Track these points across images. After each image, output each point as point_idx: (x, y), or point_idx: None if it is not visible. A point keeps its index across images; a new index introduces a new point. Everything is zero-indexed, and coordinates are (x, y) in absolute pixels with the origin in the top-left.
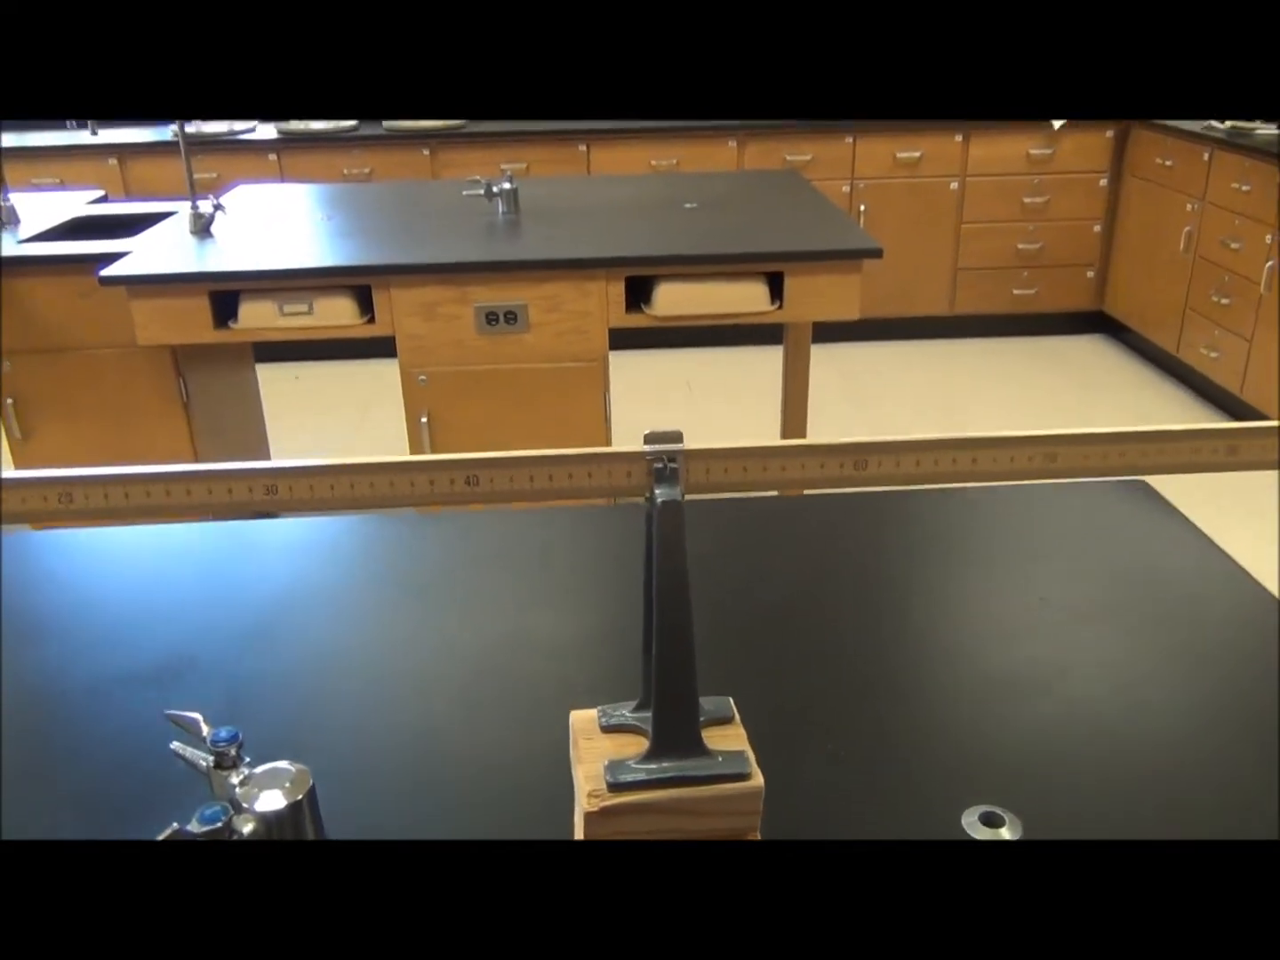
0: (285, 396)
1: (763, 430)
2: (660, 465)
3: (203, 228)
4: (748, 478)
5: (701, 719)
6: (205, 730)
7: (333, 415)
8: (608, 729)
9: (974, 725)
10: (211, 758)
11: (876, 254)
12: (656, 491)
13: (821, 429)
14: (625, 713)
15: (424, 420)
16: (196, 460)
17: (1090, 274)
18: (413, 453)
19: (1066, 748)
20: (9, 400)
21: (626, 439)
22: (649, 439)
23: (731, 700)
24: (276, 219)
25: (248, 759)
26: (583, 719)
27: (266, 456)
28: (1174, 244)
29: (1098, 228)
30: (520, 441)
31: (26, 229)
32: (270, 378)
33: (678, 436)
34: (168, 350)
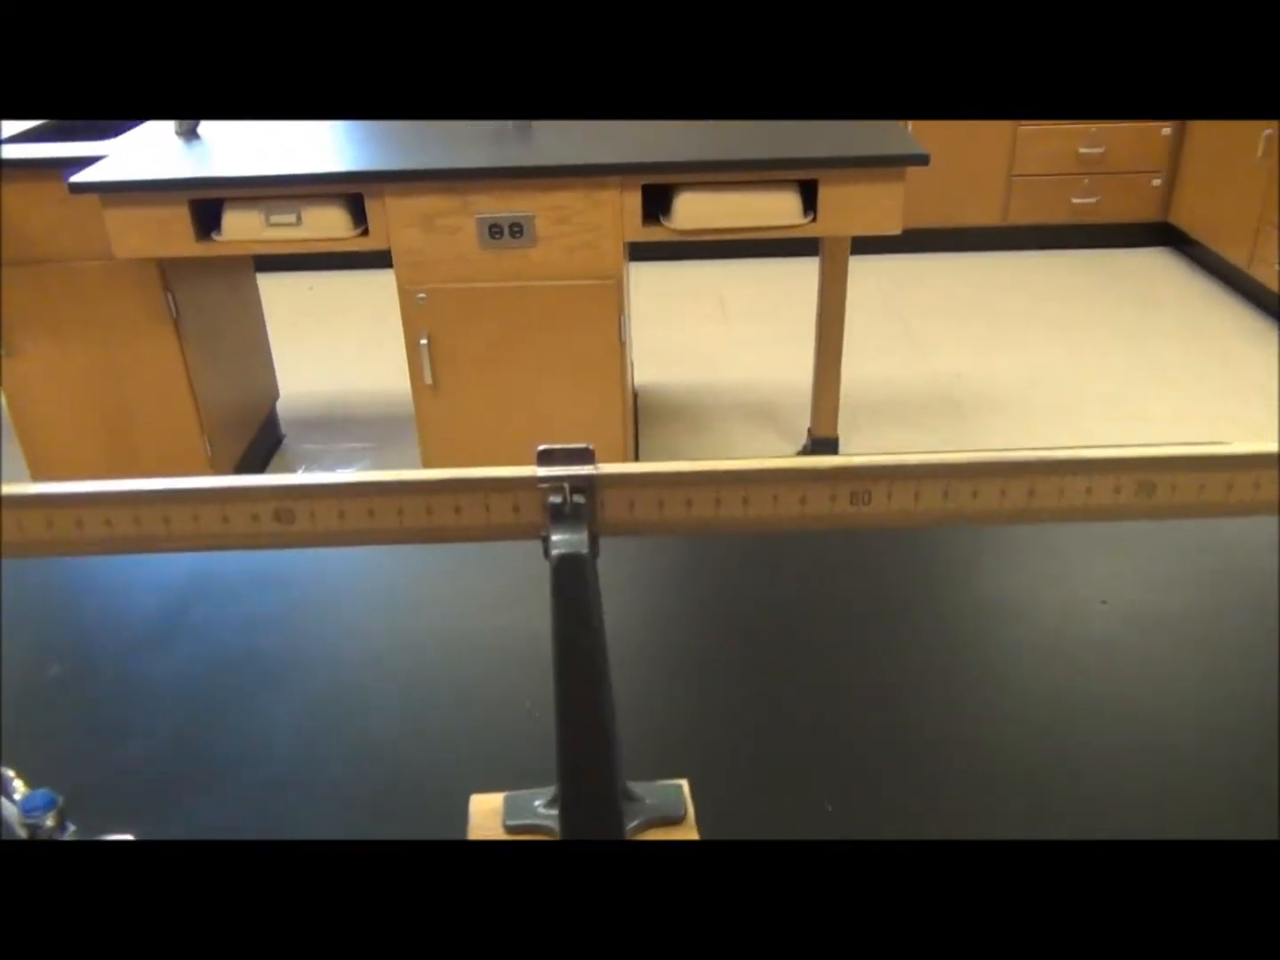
0: (296, 308)
1: (798, 355)
2: (558, 500)
3: (189, 129)
4: (692, 515)
5: (637, 821)
6: (18, 791)
7: (349, 330)
8: (514, 829)
9: (1010, 762)
10: (23, 829)
11: (922, 160)
12: (553, 539)
13: (860, 353)
14: (539, 805)
15: (423, 343)
16: (189, 382)
17: (1156, 182)
18: (412, 378)
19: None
20: None
21: (649, 363)
22: (544, 458)
23: (685, 787)
24: (271, 120)
25: (71, 828)
26: (484, 811)
27: (271, 378)
28: (1251, 149)
29: (1167, 131)
30: (527, 368)
31: (6, 129)
32: (280, 287)
33: (587, 455)
34: (153, 263)
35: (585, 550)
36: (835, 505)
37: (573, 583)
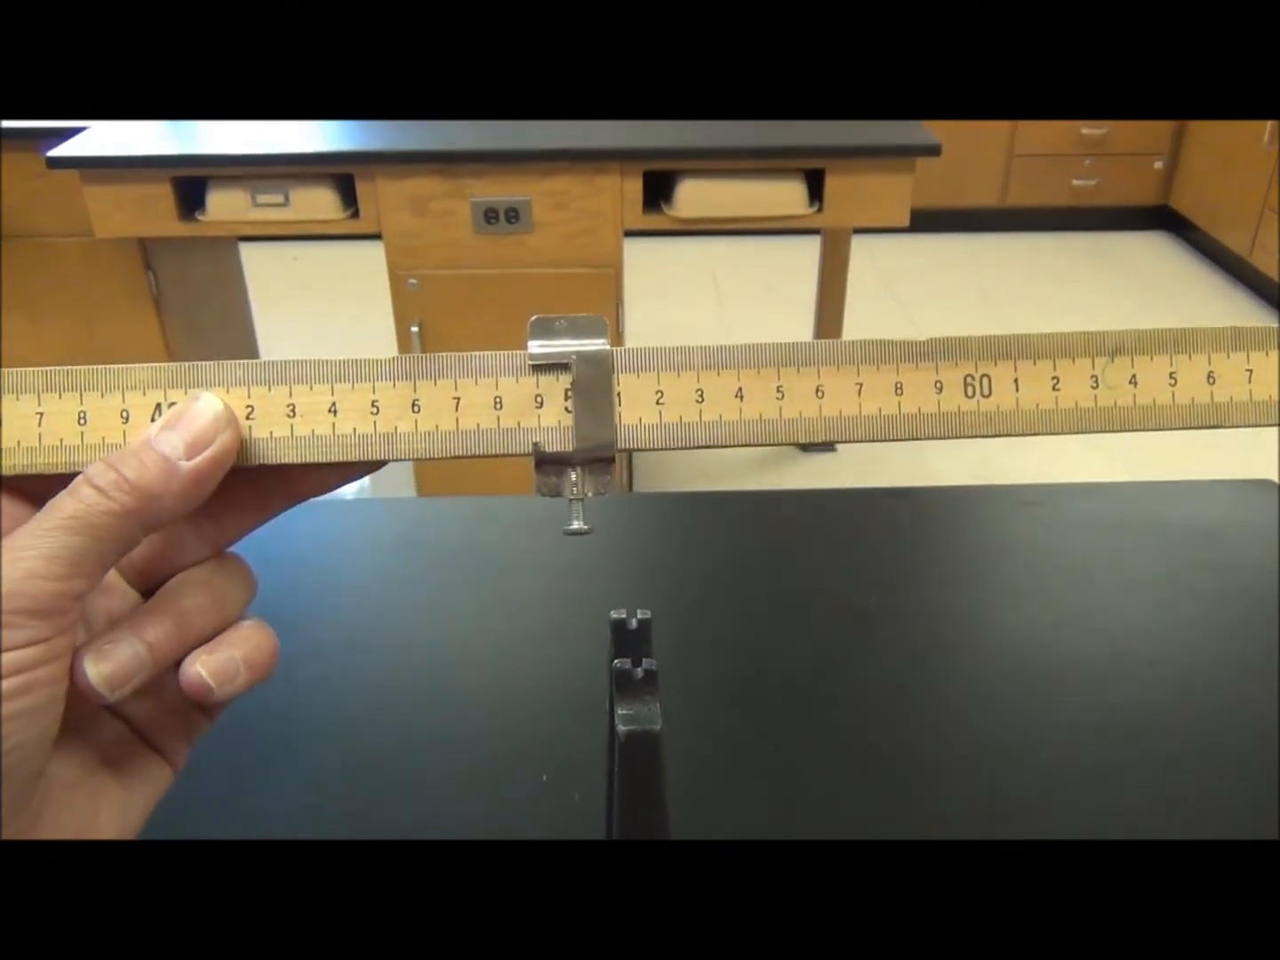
0: (280, 282)
1: (793, 338)
2: (624, 666)
3: None
4: (739, 414)
5: None
6: None
7: (336, 304)
8: None
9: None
10: None
11: (934, 151)
12: (620, 712)
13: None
14: None
15: (415, 330)
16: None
17: (1159, 164)
18: None
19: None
20: None
21: (640, 345)
22: (539, 329)
23: None
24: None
25: None
26: None
27: (254, 356)
28: (1256, 133)
29: None
30: None
31: None
32: (263, 257)
33: (597, 325)
34: (134, 240)
35: (657, 726)
36: (945, 399)
37: (643, 763)
